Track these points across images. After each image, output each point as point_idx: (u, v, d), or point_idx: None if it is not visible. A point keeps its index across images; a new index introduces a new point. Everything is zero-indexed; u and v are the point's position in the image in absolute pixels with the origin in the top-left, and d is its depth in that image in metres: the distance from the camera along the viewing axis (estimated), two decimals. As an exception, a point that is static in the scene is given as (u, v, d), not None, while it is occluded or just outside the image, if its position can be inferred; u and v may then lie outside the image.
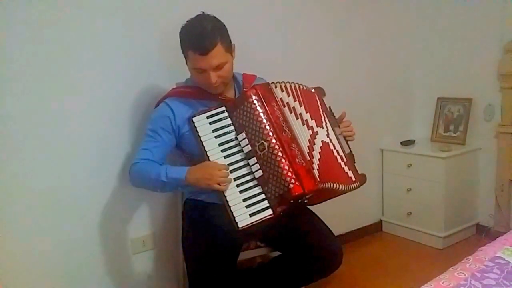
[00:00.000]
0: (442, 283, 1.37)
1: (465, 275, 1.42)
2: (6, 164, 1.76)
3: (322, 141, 1.79)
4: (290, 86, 1.81)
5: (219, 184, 1.64)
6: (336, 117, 1.97)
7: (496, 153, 2.90)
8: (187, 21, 1.74)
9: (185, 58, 1.76)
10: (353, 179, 1.83)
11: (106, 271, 2.04)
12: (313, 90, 1.92)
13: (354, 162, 1.90)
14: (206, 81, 1.73)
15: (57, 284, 1.92)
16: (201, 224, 1.78)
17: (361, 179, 1.89)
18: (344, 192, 1.81)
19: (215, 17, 1.74)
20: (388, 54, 3.11)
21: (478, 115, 3.02)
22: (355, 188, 1.84)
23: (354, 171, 1.86)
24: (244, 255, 1.89)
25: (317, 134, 1.79)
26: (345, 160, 1.84)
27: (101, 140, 1.96)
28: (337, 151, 1.83)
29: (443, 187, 2.84)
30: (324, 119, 1.86)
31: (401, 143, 3.12)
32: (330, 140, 1.83)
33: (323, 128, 1.83)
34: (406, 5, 3.17)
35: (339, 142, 1.86)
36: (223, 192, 1.65)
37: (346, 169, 1.82)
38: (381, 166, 3.18)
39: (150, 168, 1.73)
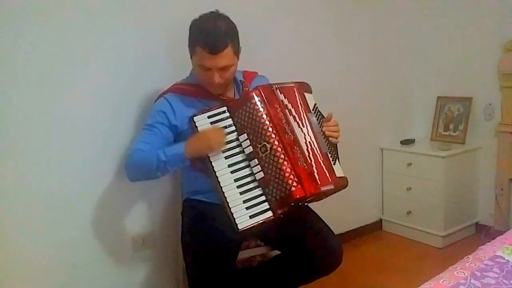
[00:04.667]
0: (442, 282, 1.37)
1: (464, 274, 1.42)
2: (5, 163, 1.76)
3: (309, 142, 1.74)
4: (284, 87, 1.78)
5: (219, 145, 1.66)
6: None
7: (496, 152, 2.90)
8: (200, 16, 1.73)
9: (190, 52, 1.75)
10: (329, 180, 1.74)
11: (106, 269, 2.04)
12: (292, 85, 1.83)
13: (334, 163, 1.81)
14: (209, 79, 1.73)
15: (58, 283, 1.92)
16: (200, 223, 1.78)
17: (338, 181, 1.77)
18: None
19: (229, 18, 1.74)
20: (388, 53, 3.11)
21: (478, 114, 3.02)
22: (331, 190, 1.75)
23: (330, 171, 1.76)
24: (243, 254, 1.89)
25: (305, 135, 1.75)
26: (322, 158, 1.75)
27: (101, 139, 1.96)
28: (316, 148, 1.75)
29: (443, 186, 2.84)
30: (303, 115, 1.79)
31: (401, 142, 3.12)
32: (310, 137, 1.76)
33: (304, 126, 1.77)
34: (406, 4, 3.17)
35: (316, 139, 1.78)
36: (224, 193, 1.64)
37: (324, 168, 1.74)
38: (381, 165, 3.18)
39: (147, 154, 1.71)
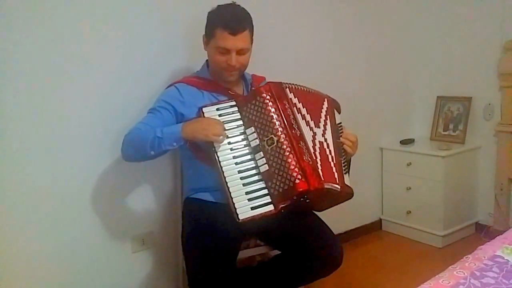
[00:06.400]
0: (442, 282, 1.37)
1: (464, 274, 1.43)
2: (5, 163, 1.76)
3: (319, 141, 1.77)
4: (297, 88, 1.82)
5: (215, 136, 1.66)
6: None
7: (496, 152, 2.90)
8: (218, 5, 1.81)
9: (207, 37, 1.81)
10: (336, 179, 1.74)
11: (105, 269, 2.04)
12: (325, 95, 1.90)
13: (345, 172, 1.82)
14: (226, 62, 1.77)
15: (57, 283, 1.92)
16: (200, 222, 1.78)
17: (344, 186, 1.77)
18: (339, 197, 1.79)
19: (245, 9, 1.83)
20: (388, 53, 3.11)
21: (478, 114, 3.02)
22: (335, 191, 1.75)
23: (340, 176, 1.77)
24: (243, 254, 1.89)
25: (316, 134, 1.78)
26: (334, 161, 1.78)
27: (102, 139, 1.96)
28: (329, 151, 1.79)
29: (442, 186, 2.84)
30: (325, 120, 1.84)
31: (400, 142, 3.13)
32: (325, 139, 1.80)
33: (319, 128, 1.81)
34: (405, 3, 3.17)
35: (333, 143, 1.81)
36: (227, 183, 1.65)
37: (334, 169, 1.76)
38: (381, 165, 3.18)
39: (143, 131, 1.73)
